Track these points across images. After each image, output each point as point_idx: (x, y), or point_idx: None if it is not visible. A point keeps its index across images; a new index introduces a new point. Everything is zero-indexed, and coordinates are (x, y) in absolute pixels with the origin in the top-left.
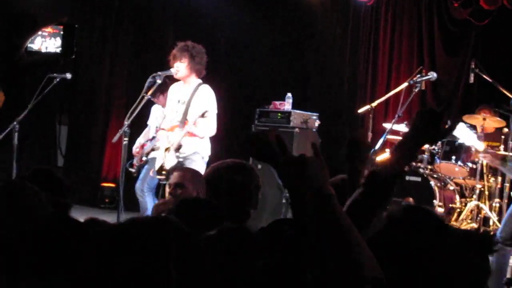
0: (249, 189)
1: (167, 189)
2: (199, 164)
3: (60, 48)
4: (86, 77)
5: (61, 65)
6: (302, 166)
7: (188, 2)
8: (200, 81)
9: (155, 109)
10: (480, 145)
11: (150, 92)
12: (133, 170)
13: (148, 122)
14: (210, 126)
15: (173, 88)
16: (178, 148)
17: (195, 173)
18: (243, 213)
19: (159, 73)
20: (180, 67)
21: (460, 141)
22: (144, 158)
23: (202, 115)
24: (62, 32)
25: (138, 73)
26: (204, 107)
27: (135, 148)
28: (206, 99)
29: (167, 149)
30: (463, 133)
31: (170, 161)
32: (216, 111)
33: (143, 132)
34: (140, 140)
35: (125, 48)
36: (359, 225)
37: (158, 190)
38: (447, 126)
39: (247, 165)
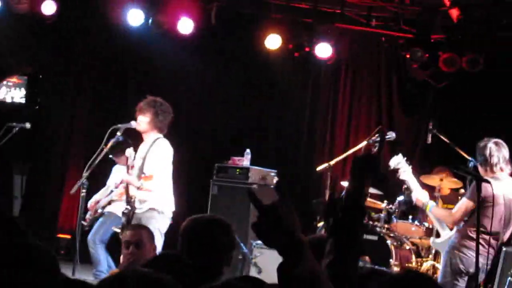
0: (225, 245)
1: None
2: (159, 221)
3: (24, 98)
4: (46, 127)
5: (25, 115)
6: (274, 215)
7: (149, 56)
8: (159, 135)
9: (116, 170)
10: (420, 193)
11: (109, 145)
12: (85, 223)
13: (108, 182)
14: (154, 181)
15: (139, 148)
16: (128, 201)
17: (148, 230)
18: (217, 270)
19: (119, 125)
20: (142, 121)
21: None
22: (99, 211)
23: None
24: (26, 82)
25: (98, 125)
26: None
27: (90, 203)
28: (157, 153)
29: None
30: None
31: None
32: (167, 166)
33: (101, 190)
34: (96, 197)
35: (85, 100)
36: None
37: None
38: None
39: (225, 221)
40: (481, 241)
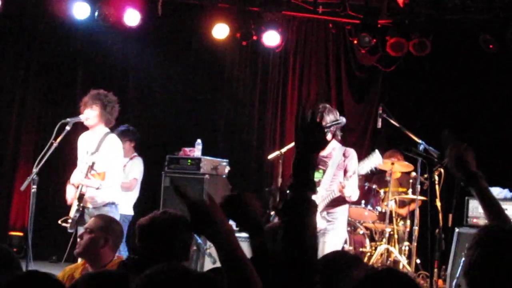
0: (186, 241)
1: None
2: (116, 215)
3: None
4: None
5: None
6: (200, 208)
7: (97, 49)
8: (107, 130)
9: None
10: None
11: (59, 139)
12: (67, 225)
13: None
14: (110, 177)
15: (82, 138)
16: (80, 197)
17: (110, 221)
18: None
19: (68, 119)
20: (90, 115)
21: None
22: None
23: (91, 167)
24: None
25: (47, 120)
26: (97, 158)
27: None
28: (112, 149)
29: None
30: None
31: (73, 210)
32: (120, 161)
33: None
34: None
35: (34, 95)
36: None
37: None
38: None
39: (185, 218)
40: None
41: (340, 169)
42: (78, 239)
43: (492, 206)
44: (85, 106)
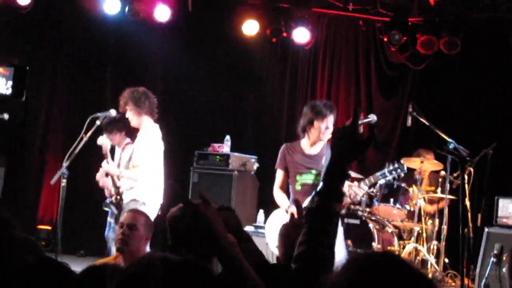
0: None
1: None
2: None
3: (11, 90)
4: (24, 117)
5: (9, 106)
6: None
7: (127, 44)
8: (153, 124)
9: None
10: None
11: (89, 134)
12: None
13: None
14: (141, 169)
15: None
16: (117, 191)
17: (147, 217)
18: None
19: (98, 114)
20: (129, 116)
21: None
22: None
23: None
24: (13, 74)
25: (77, 114)
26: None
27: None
28: (146, 142)
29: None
30: None
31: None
32: (154, 155)
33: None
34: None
35: (63, 89)
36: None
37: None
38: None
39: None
40: None
41: None
42: (120, 235)
43: None
44: (123, 105)
